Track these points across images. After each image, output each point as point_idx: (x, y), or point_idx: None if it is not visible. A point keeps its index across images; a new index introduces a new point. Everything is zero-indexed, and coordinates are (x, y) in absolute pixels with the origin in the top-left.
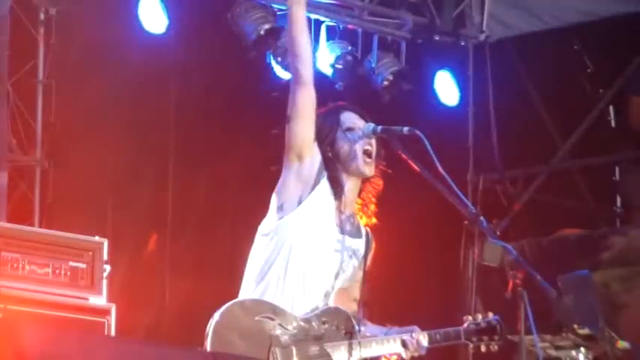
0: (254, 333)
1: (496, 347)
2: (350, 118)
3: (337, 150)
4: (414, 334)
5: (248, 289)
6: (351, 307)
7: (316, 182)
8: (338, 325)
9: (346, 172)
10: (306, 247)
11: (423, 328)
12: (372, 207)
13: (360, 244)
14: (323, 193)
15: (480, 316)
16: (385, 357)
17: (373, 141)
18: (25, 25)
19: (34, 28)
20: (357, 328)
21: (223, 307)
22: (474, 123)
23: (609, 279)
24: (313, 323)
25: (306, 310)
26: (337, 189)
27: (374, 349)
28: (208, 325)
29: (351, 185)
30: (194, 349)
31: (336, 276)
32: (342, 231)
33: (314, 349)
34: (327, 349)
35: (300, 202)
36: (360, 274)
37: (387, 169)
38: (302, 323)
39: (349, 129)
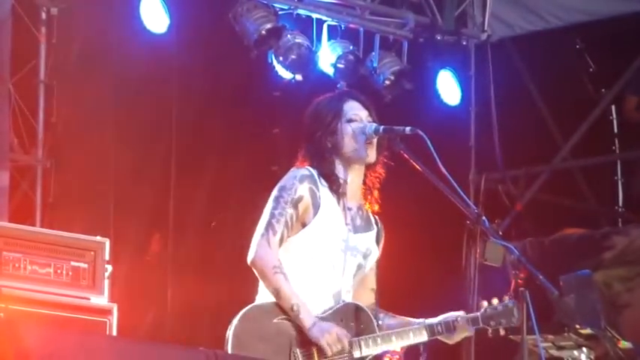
0: (273, 335)
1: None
2: (353, 109)
3: (337, 140)
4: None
5: (264, 293)
6: (370, 298)
7: (316, 208)
8: (355, 321)
9: (346, 161)
10: (316, 257)
11: None
12: (376, 193)
13: (371, 237)
14: (327, 208)
15: (495, 300)
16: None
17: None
18: (27, 24)
19: (35, 27)
20: (374, 322)
21: (242, 312)
22: (476, 122)
23: (611, 279)
24: (329, 321)
25: (321, 310)
26: (336, 187)
27: (394, 343)
28: (228, 329)
29: (352, 176)
30: (196, 349)
31: (354, 275)
32: (355, 229)
33: None
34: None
35: (304, 225)
36: (372, 265)
37: (389, 160)
38: None
39: (351, 120)
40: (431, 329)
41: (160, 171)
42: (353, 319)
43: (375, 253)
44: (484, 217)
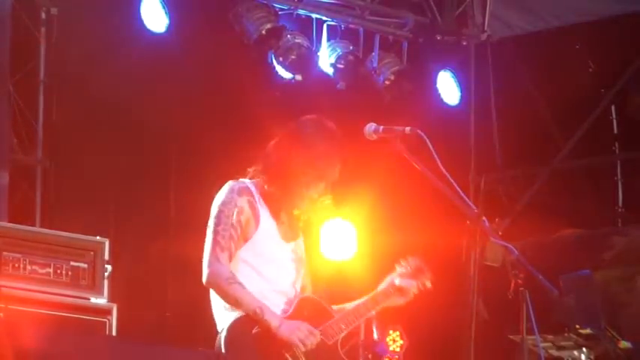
0: (258, 345)
1: (429, 285)
2: (337, 170)
3: (311, 184)
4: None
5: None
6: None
7: (257, 220)
8: (316, 312)
9: (295, 195)
10: (263, 270)
11: (425, 329)
12: (304, 216)
13: (301, 244)
14: (265, 220)
15: (403, 262)
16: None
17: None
18: (27, 24)
19: (35, 27)
20: (330, 309)
21: (222, 333)
22: (476, 123)
23: (610, 279)
24: (297, 319)
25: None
26: (275, 208)
27: (354, 320)
28: (217, 340)
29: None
30: (195, 350)
31: (294, 282)
32: (289, 238)
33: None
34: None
35: (246, 240)
36: (306, 268)
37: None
38: None
39: (329, 178)
40: (374, 299)
41: (160, 171)
42: (313, 311)
43: (304, 257)
44: (484, 218)
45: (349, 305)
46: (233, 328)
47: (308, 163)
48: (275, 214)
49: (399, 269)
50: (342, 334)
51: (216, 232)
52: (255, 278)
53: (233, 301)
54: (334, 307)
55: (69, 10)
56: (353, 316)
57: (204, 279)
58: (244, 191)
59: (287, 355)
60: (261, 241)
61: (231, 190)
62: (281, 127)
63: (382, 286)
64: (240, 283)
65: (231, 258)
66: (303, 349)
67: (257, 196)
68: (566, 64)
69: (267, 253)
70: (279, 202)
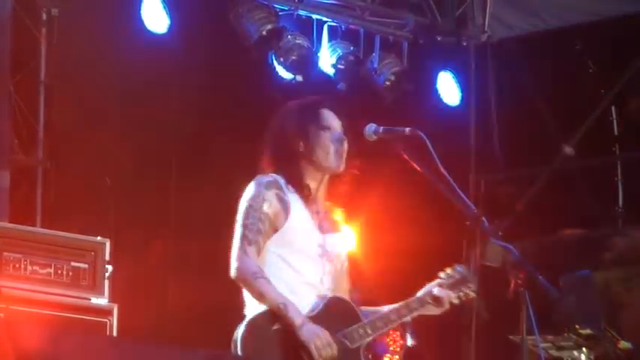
0: (278, 342)
1: (472, 294)
2: (328, 118)
3: (310, 145)
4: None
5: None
6: (346, 296)
7: (287, 212)
8: (343, 314)
9: (315, 167)
10: (293, 262)
11: (427, 330)
12: (343, 199)
13: (340, 239)
14: (297, 212)
15: (448, 270)
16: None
17: (346, 142)
18: (27, 25)
19: (35, 28)
20: (359, 312)
21: (243, 325)
22: (476, 123)
23: (610, 279)
24: (319, 318)
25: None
26: (303, 192)
27: (381, 327)
28: (235, 334)
29: (320, 181)
30: (196, 350)
31: (331, 277)
32: (324, 231)
33: None
34: (340, 338)
35: (276, 230)
36: (346, 265)
37: (358, 171)
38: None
39: (325, 128)
40: (407, 306)
41: (160, 171)
42: (340, 312)
43: (345, 253)
44: (484, 218)
45: (383, 309)
46: (253, 322)
47: (296, 133)
48: (308, 204)
49: (440, 278)
50: (368, 339)
51: (244, 226)
52: (284, 269)
53: (258, 296)
54: (369, 309)
55: (69, 10)
56: (382, 322)
57: (232, 273)
58: (272, 184)
59: (304, 356)
60: (291, 231)
61: (259, 184)
62: None
63: (419, 293)
64: (266, 278)
65: (259, 252)
66: (317, 358)
67: (286, 188)
68: (566, 65)
69: (296, 243)
70: (305, 190)
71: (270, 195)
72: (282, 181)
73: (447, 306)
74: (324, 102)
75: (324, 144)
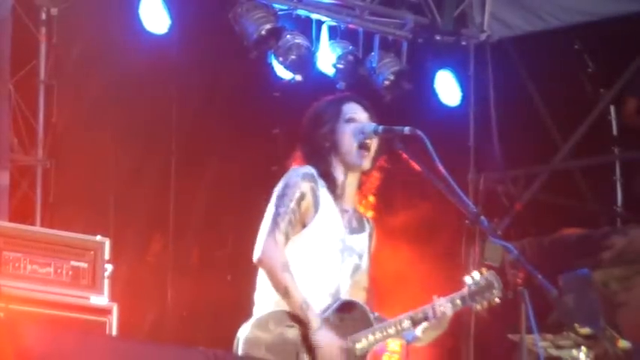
0: (279, 344)
1: (497, 300)
2: (352, 109)
3: (336, 140)
4: (435, 305)
5: (263, 298)
6: (362, 297)
7: (316, 207)
8: (354, 317)
9: (343, 163)
10: (315, 258)
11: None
12: (372, 199)
13: (364, 238)
14: (326, 208)
15: (477, 275)
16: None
17: (372, 135)
18: (27, 25)
19: (35, 28)
20: (371, 316)
21: (243, 327)
22: (475, 123)
23: (609, 278)
24: (331, 320)
25: (319, 309)
26: (334, 188)
27: (390, 334)
28: (239, 332)
29: (348, 180)
30: (196, 349)
31: (351, 276)
32: (351, 231)
33: None
34: (349, 342)
35: (304, 226)
36: (367, 264)
37: (387, 164)
38: None
39: (350, 119)
40: (412, 318)
41: (160, 171)
42: (351, 315)
43: (368, 253)
44: (483, 217)
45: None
46: (258, 323)
47: (322, 128)
48: (336, 200)
49: (466, 283)
50: (375, 346)
51: (277, 213)
52: (301, 270)
53: (283, 290)
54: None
55: (69, 10)
56: (393, 329)
57: (255, 257)
58: (308, 177)
59: (304, 356)
60: (317, 229)
61: (297, 174)
62: (281, 127)
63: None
64: (292, 273)
65: (287, 241)
66: None
67: (320, 183)
68: (565, 64)
69: (320, 240)
70: (334, 186)
71: (306, 187)
72: (316, 174)
73: (445, 326)
74: (349, 96)
75: (347, 137)
